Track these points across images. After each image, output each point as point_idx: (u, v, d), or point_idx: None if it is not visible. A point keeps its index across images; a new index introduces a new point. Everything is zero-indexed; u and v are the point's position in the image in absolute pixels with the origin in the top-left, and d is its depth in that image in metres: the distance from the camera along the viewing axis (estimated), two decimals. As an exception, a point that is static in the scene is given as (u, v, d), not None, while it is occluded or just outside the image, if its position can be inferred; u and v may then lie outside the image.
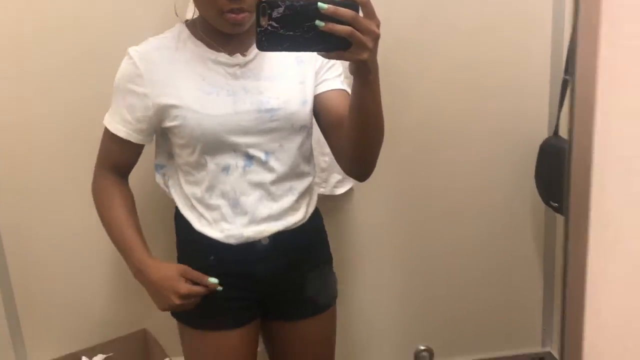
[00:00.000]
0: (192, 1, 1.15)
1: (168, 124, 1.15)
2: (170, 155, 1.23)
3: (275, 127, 1.16)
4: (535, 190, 1.68)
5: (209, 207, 1.19)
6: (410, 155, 1.67)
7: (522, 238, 1.78)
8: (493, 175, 1.71)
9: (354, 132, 1.07)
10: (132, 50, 1.16)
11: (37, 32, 1.46)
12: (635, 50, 0.67)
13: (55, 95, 1.50)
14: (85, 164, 1.54)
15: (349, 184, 1.65)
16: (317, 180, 1.51)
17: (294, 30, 0.89)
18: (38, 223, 1.57)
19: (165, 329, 1.69)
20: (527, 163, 1.67)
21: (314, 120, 1.24)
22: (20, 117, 1.50)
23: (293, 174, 1.21)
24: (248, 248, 1.19)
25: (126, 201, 1.24)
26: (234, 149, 1.15)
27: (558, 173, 1.52)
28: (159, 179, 1.27)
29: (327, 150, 1.46)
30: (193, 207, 1.21)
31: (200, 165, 1.17)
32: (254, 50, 1.16)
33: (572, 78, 0.67)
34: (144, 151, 1.25)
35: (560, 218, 1.74)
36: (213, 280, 1.18)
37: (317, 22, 0.88)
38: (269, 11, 0.88)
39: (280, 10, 0.89)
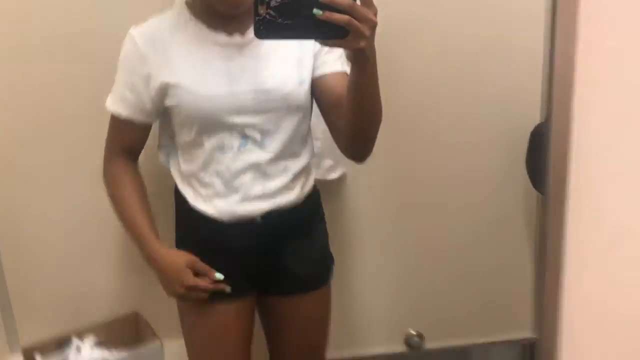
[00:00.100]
0: None
1: (167, 103, 1.18)
2: (172, 135, 1.26)
3: (272, 107, 1.18)
4: (527, 176, 1.68)
5: (204, 184, 1.22)
6: (402, 141, 1.67)
7: (513, 224, 1.78)
8: (484, 161, 1.72)
9: (352, 116, 1.09)
10: (133, 31, 1.18)
11: (35, 10, 1.44)
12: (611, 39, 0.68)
13: (52, 74, 1.49)
14: (78, 144, 1.55)
15: (341, 169, 1.65)
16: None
17: (292, 19, 0.90)
18: (30, 203, 1.57)
19: (157, 312, 1.71)
20: (519, 149, 1.67)
21: (314, 103, 1.25)
22: (15, 95, 1.50)
23: (288, 154, 1.23)
24: (241, 225, 1.23)
25: (138, 187, 1.27)
26: (229, 128, 1.18)
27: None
28: (162, 157, 1.31)
29: (319, 135, 1.47)
30: (189, 184, 1.25)
31: (196, 144, 1.20)
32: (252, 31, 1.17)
33: (550, 69, 0.69)
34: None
35: (551, 204, 1.74)
36: (219, 276, 1.22)
37: (315, 10, 0.89)
38: (267, 0, 0.89)
39: None
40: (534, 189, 1.68)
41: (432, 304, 1.82)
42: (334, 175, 1.64)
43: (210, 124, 1.17)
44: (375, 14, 0.92)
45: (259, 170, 1.20)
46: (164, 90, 1.17)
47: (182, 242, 1.30)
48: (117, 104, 1.21)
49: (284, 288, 1.32)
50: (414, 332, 1.83)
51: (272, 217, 1.23)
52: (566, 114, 0.68)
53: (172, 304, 1.71)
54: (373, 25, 0.92)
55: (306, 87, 1.20)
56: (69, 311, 1.65)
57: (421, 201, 1.73)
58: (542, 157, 1.60)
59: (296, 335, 1.37)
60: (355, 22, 0.89)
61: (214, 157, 1.19)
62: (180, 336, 1.65)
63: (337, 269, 1.42)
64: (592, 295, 0.96)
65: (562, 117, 0.69)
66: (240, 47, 1.17)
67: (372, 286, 1.79)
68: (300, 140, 1.24)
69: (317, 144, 1.57)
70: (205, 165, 1.20)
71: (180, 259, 1.22)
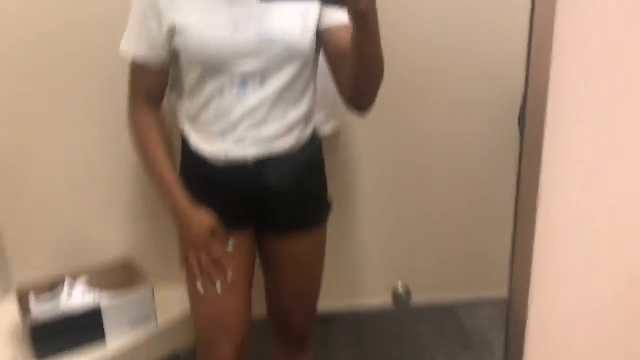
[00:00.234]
0: None
1: (174, 43, 1.21)
2: (179, 76, 1.29)
3: (274, 54, 1.20)
4: (519, 134, 1.69)
5: (203, 125, 1.26)
6: (399, 98, 1.68)
7: (505, 181, 1.79)
8: (478, 118, 1.73)
9: (355, 70, 1.13)
10: None
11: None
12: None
13: (57, 15, 1.50)
14: (77, 86, 1.56)
15: (334, 124, 1.66)
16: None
17: None
18: (26, 145, 1.59)
19: (150, 257, 1.74)
20: (513, 107, 1.68)
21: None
22: (17, 35, 1.51)
23: (286, 101, 1.25)
24: (234, 168, 1.27)
25: (164, 139, 1.30)
26: (231, 72, 1.21)
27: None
28: (172, 98, 1.34)
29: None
30: (190, 124, 1.29)
31: (198, 86, 1.24)
32: None
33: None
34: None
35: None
36: (230, 248, 1.28)
37: None
38: None
39: None
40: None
41: (422, 258, 1.85)
42: (326, 130, 1.65)
43: (213, 67, 1.20)
44: None
45: (256, 115, 1.23)
46: (172, 31, 1.20)
47: (184, 182, 1.33)
48: (132, 45, 1.24)
49: (278, 227, 1.37)
50: (402, 286, 1.86)
51: (265, 163, 1.27)
52: (546, 56, 0.71)
53: (164, 251, 1.75)
54: None
55: (310, 36, 1.22)
56: (63, 254, 1.68)
57: (414, 158, 1.75)
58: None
59: (291, 274, 1.42)
60: None
61: (214, 99, 1.23)
62: (172, 282, 1.69)
63: (328, 222, 1.45)
64: (563, 254, 0.99)
65: (541, 59, 0.71)
66: None
67: (363, 239, 1.82)
68: (300, 88, 1.27)
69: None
70: (205, 106, 1.24)
71: (203, 222, 1.25)
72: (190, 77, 1.24)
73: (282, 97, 1.24)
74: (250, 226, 1.36)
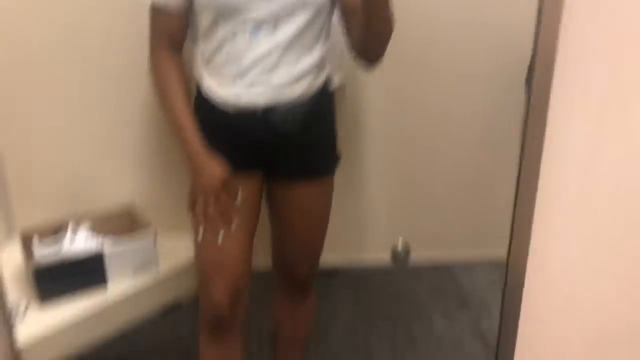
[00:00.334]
0: None
1: None
2: (195, 20, 1.28)
3: (288, 1, 1.20)
4: (525, 96, 1.68)
5: (215, 68, 1.27)
6: (406, 53, 1.65)
7: (508, 145, 1.79)
8: (485, 81, 1.71)
9: (365, 26, 1.15)
10: None
11: None
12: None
13: None
14: (81, 30, 1.54)
15: (339, 77, 1.64)
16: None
17: None
18: (30, 91, 1.58)
19: (154, 205, 1.76)
20: (519, 70, 1.65)
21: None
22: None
23: (300, 48, 1.25)
24: (245, 113, 1.28)
25: (183, 84, 1.30)
26: (243, 17, 1.20)
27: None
28: (190, 43, 1.33)
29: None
30: (204, 68, 1.30)
31: (212, 30, 1.24)
32: None
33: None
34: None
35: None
36: (239, 197, 1.30)
37: None
38: None
39: None
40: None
41: (424, 217, 1.86)
42: (333, 83, 1.63)
43: (226, 11, 1.20)
44: None
45: (268, 61, 1.23)
46: None
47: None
48: None
49: (285, 175, 1.38)
50: (402, 244, 1.88)
51: (275, 110, 1.27)
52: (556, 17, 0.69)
53: (168, 200, 1.76)
54: None
55: None
56: (67, 200, 1.69)
57: (420, 118, 1.74)
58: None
59: (296, 223, 1.44)
60: None
61: (227, 43, 1.23)
62: (175, 231, 1.71)
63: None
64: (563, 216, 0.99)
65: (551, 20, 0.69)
66: None
67: (366, 195, 1.82)
68: (313, 36, 1.26)
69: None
70: (218, 50, 1.25)
71: (217, 172, 1.26)
72: (204, 21, 1.24)
73: (295, 44, 1.24)
74: (258, 173, 1.37)
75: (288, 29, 1.22)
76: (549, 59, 0.91)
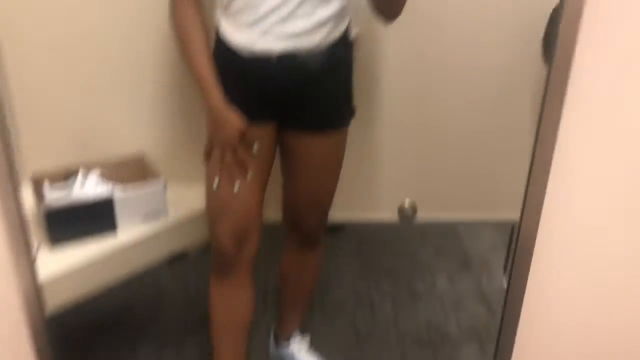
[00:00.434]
0: None
1: None
2: None
3: None
4: (541, 57, 1.65)
5: (232, 14, 1.26)
6: (423, 10, 1.63)
7: (522, 104, 1.78)
8: (502, 38, 1.68)
9: None
10: None
11: None
12: None
13: None
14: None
15: (355, 30, 1.62)
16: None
17: None
18: (44, 28, 1.56)
19: (165, 155, 1.76)
20: (537, 30, 1.63)
21: None
22: None
23: (316, 1, 1.23)
24: (258, 61, 1.27)
25: (204, 32, 1.29)
26: None
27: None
28: None
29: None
30: (222, 13, 1.29)
31: None
32: None
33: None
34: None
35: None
36: (255, 148, 1.32)
37: None
38: None
39: None
40: (546, 72, 1.66)
41: (431, 177, 1.85)
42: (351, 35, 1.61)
43: None
44: None
45: (283, 10, 1.22)
46: None
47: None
48: None
49: (299, 125, 1.38)
50: (408, 203, 1.88)
51: (290, 58, 1.26)
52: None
53: (179, 150, 1.77)
54: None
55: None
56: (78, 145, 1.69)
57: (433, 76, 1.72)
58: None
59: (308, 173, 1.45)
60: None
61: None
62: (185, 181, 1.72)
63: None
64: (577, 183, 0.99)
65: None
66: None
67: (376, 152, 1.82)
68: None
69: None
70: None
71: (235, 124, 1.27)
72: None
73: None
74: (273, 123, 1.37)
75: None
76: (574, 17, 0.89)
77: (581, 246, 1.04)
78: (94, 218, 1.53)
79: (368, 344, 1.88)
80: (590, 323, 1.08)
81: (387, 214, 1.90)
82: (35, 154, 1.69)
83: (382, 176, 1.86)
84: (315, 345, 1.80)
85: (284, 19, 1.22)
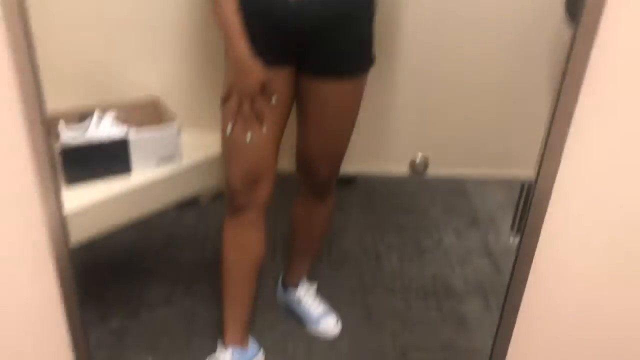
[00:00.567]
0: None
1: None
2: None
3: None
4: (564, 16, 1.62)
5: None
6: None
7: (540, 63, 1.75)
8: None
9: None
10: None
11: None
12: None
13: None
14: None
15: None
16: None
17: None
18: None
19: (180, 100, 1.75)
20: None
21: None
22: None
23: None
24: (280, 4, 1.26)
25: None
26: None
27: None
28: None
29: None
30: None
31: None
32: None
33: None
34: None
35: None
36: (274, 100, 1.32)
37: None
38: None
39: None
40: (566, 30, 1.63)
41: (445, 132, 1.85)
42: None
43: None
44: None
45: None
46: None
47: None
48: None
49: (317, 69, 1.37)
50: (420, 157, 1.88)
51: (305, 2, 1.25)
52: None
53: (194, 96, 1.76)
54: None
55: None
56: (93, 88, 1.68)
57: (453, 29, 1.69)
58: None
59: (323, 120, 1.45)
60: None
61: None
62: (199, 127, 1.72)
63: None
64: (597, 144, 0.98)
65: None
66: None
67: (390, 105, 1.81)
68: None
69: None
70: None
71: (257, 75, 1.28)
72: None
73: None
74: (291, 66, 1.37)
75: None
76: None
77: (596, 206, 1.04)
78: (108, 159, 1.54)
79: (373, 293, 1.92)
80: (600, 283, 1.10)
81: (398, 168, 1.90)
82: (49, 95, 1.68)
83: (396, 130, 1.85)
84: (321, 293, 1.84)
85: None
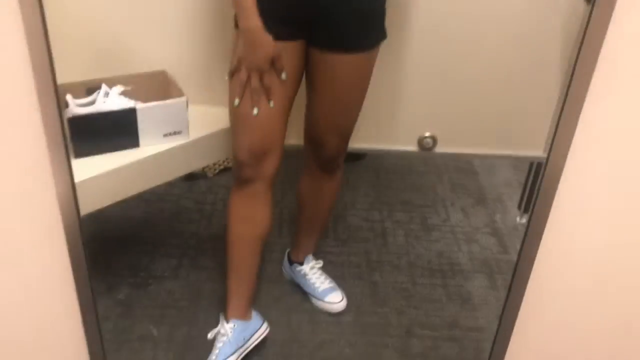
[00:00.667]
0: None
1: None
2: None
3: None
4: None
5: None
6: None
7: (551, 43, 1.73)
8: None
9: None
10: None
11: None
12: None
13: None
14: None
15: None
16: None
17: None
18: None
19: (186, 74, 1.74)
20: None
21: None
22: None
23: None
24: None
25: None
26: None
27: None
28: None
29: None
30: None
31: None
32: None
33: None
34: None
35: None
36: (284, 75, 1.32)
37: None
38: None
39: None
40: (581, 7, 1.60)
41: (454, 110, 1.83)
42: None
43: None
44: None
45: None
46: None
47: None
48: None
49: (327, 42, 1.37)
50: (428, 134, 1.87)
51: None
52: None
53: (202, 72, 1.75)
54: None
55: None
56: (101, 62, 1.68)
57: (465, 8, 1.67)
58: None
59: (333, 93, 1.45)
60: None
61: None
62: (206, 101, 1.71)
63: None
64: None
65: None
66: None
67: (399, 84, 1.79)
68: None
69: None
70: None
71: (268, 49, 1.27)
72: None
73: None
74: (302, 40, 1.36)
75: None
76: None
77: (607, 185, 1.03)
78: (116, 129, 1.54)
79: (379, 270, 1.93)
80: (609, 263, 1.10)
81: (407, 145, 1.89)
82: (57, 69, 1.68)
83: (405, 107, 1.84)
84: (327, 269, 1.85)
85: None
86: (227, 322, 1.55)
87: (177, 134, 1.61)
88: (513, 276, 1.10)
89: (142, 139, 1.57)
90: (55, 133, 0.94)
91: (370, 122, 1.78)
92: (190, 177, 2.26)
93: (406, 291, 1.85)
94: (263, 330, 1.62)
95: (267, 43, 1.27)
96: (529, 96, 1.81)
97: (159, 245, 1.98)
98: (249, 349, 1.58)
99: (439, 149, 1.89)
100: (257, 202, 1.49)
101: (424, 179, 2.40)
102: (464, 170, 2.46)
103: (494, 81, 1.78)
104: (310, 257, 1.82)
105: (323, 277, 1.80)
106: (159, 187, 1.63)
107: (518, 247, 1.10)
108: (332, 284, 1.80)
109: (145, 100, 1.60)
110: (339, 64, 1.39)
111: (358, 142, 1.70)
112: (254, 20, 1.26)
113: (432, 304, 1.81)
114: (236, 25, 1.32)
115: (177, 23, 1.70)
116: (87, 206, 1.46)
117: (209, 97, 1.69)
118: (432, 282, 1.89)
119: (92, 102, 1.56)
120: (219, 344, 1.52)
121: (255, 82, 1.31)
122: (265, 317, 1.65)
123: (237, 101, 1.35)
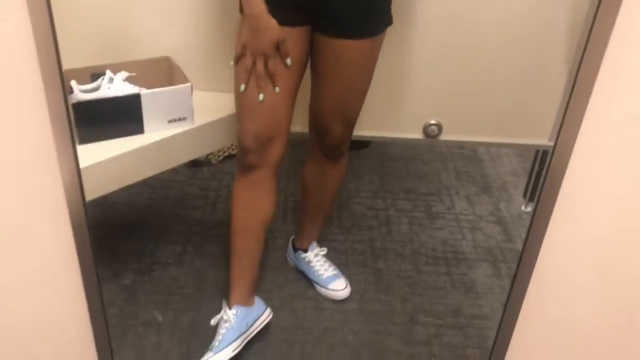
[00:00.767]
0: None
1: None
2: None
3: None
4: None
5: None
6: None
7: (557, 32, 1.72)
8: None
9: None
10: None
11: None
12: None
13: None
14: None
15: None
16: None
17: None
18: None
19: (191, 61, 1.73)
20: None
21: None
22: None
23: None
24: None
25: None
26: None
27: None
28: None
29: None
30: None
31: None
32: None
33: None
34: None
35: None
36: (289, 61, 1.31)
37: None
38: None
39: None
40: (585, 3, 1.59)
41: (459, 98, 1.82)
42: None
43: None
44: None
45: None
46: None
47: None
48: None
49: (332, 29, 1.36)
50: (433, 122, 1.87)
51: None
52: None
53: (206, 56, 1.74)
54: None
55: None
56: (105, 49, 1.67)
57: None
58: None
59: (338, 79, 1.44)
60: None
61: None
62: (210, 87, 1.70)
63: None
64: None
65: None
66: None
67: (404, 71, 1.78)
68: None
69: None
70: None
71: (273, 33, 1.27)
72: None
73: None
74: (307, 26, 1.35)
75: None
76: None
77: (614, 173, 1.03)
78: (121, 115, 1.54)
79: (383, 258, 1.93)
80: (615, 252, 1.09)
81: (412, 133, 1.89)
82: (62, 54, 1.67)
83: (410, 95, 1.83)
84: (331, 256, 1.85)
85: None
86: (230, 308, 1.55)
87: (182, 120, 1.61)
88: (518, 264, 1.10)
89: (146, 125, 1.57)
90: (60, 119, 0.94)
91: (375, 110, 1.77)
92: (195, 164, 2.26)
93: (410, 279, 1.85)
94: (266, 316, 1.63)
95: (272, 28, 1.26)
96: (535, 84, 1.80)
97: (164, 232, 1.98)
98: (252, 335, 1.58)
99: (444, 136, 1.88)
100: (262, 189, 1.49)
101: (429, 166, 2.40)
102: (469, 158, 2.46)
103: (500, 69, 1.77)
104: (314, 244, 1.82)
105: (327, 264, 1.81)
106: (163, 173, 1.63)
107: (522, 235, 1.10)
108: (336, 272, 1.80)
109: (149, 87, 1.60)
110: (343, 51, 1.38)
111: (363, 130, 1.70)
112: (258, 5, 1.25)
113: (436, 291, 1.81)
114: (241, 11, 1.32)
115: (181, 9, 1.69)
116: (92, 192, 1.47)
117: (214, 83, 1.68)
118: (436, 270, 1.89)
119: (97, 88, 1.56)
120: (222, 330, 1.53)
121: (260, 67, 1.30)
122: (270, 304, 1.66)
123: (242, 87, 1.34)
